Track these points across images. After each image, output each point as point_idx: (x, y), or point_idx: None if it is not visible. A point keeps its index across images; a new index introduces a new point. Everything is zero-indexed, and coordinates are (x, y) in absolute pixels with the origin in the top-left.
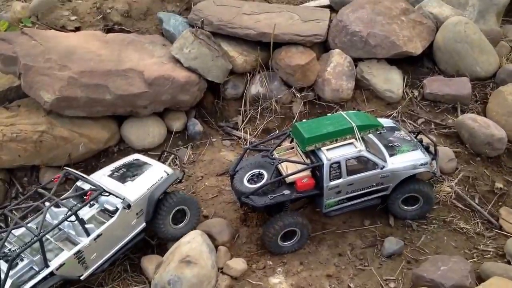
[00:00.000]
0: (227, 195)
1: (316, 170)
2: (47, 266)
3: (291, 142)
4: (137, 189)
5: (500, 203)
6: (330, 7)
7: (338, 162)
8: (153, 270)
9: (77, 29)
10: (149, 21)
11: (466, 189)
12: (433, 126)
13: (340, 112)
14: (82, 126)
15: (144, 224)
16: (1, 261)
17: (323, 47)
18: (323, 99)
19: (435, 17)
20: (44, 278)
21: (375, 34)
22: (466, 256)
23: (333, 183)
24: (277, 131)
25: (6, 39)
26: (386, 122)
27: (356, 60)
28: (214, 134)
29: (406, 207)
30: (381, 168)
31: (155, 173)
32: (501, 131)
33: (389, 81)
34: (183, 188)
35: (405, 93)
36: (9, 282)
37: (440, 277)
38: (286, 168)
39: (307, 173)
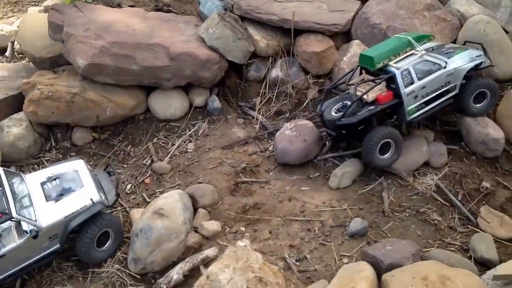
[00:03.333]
0: (226, 166)
1: (390, 83)
2: None
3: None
4: (55, 213)
5: (483, 202)
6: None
7: (407, 69)
8: None
9: (131, 7)
10: (195, 4)
11: (452, 184)
12: (437, 122)
13: (395, 35)
14: (111, 93)
15: (58, 245)
16: None
17: (346, 37)
18: (339, 88)
19: (462, 15)
20: None
21: (395, 28)
22: (427, 245)
23: (408, 89)
24: (287, 114)
25: (59, 10)
26: (433, 42)
27: None
28: (231, 112)
29: (476, 105)
30: (444, 67)
31: (80, 198)
32: (498, 132)
33: None
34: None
35: None
36: None
37: (382, 254)
38: (367, 95)
39: (383, 88)
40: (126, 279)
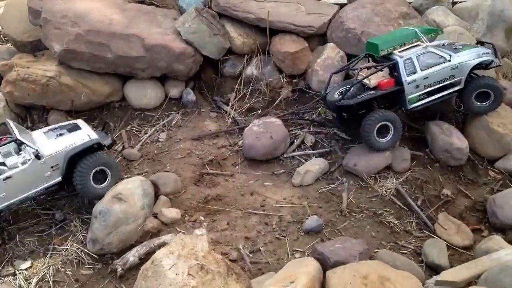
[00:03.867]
0: (194, 157)
1: (393, 71)
2: None
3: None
4: (56, 145)
5: (443, 209)
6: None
7: (410, 58)
8: None
9: None
10: None
11: (413, 189)
12: (406, 128)
13: (404, 26)
14: (87, 79)
15: (59, 178)
16: None
17: (322, 40)
18: (312, 88)
19: (438, 25)
20: None
21: (369, 33)
22: (380, 246)
23: (410, 77)
24: (259, 111)
25: None
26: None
27: (351, 57)
28: (205, 105)
29: (478, 103)
30: (449, 60)
31: (79, 135)
32: (463, 142)
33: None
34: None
35: None
36: None
37: (330, 252)
38: (369, 80)
39: (386, 75)
40: (84, 257)
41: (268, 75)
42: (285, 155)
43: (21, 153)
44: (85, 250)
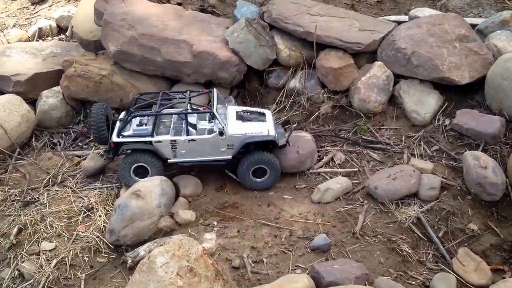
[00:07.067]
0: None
1: None
2: (152, 136)
3: None
4: (238, 129)
5: (466, 244)
6: None
7: None
8: None
9: (179, 4)
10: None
11: (437, 220)
12: (444, 155)
13: None
14: (137, 80)
15: (230, 157)
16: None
17: (372, 58)
18: (353, 106)
19: (498, 50)
20: (145, 142)
21: (420, 54)
22: (386, 274)
23: None
24: (295, 124)
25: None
26: None
27: (399, 77)
28: None
29: None
30: None
31: (260, 127)
32: (499, 177)
33: (421, 103)
34: None
35: (437, 120)
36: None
37: (326, 272)
38: None
39: None
40: (102, 246)
41: (310, 89)
42: (310, 171)
43: (212, 121)
44: (104, 239)
